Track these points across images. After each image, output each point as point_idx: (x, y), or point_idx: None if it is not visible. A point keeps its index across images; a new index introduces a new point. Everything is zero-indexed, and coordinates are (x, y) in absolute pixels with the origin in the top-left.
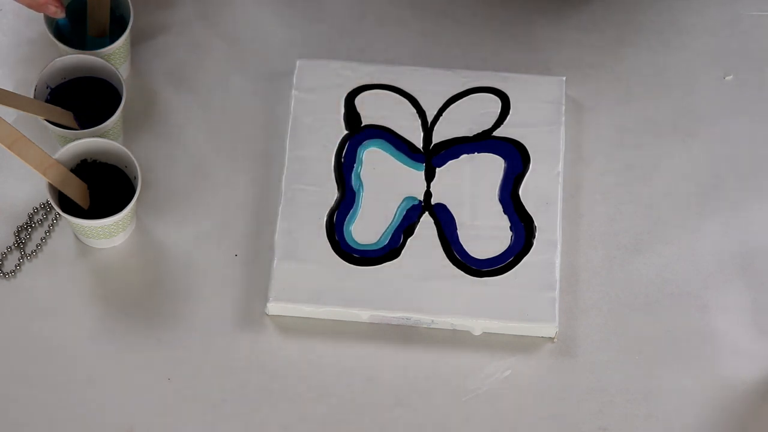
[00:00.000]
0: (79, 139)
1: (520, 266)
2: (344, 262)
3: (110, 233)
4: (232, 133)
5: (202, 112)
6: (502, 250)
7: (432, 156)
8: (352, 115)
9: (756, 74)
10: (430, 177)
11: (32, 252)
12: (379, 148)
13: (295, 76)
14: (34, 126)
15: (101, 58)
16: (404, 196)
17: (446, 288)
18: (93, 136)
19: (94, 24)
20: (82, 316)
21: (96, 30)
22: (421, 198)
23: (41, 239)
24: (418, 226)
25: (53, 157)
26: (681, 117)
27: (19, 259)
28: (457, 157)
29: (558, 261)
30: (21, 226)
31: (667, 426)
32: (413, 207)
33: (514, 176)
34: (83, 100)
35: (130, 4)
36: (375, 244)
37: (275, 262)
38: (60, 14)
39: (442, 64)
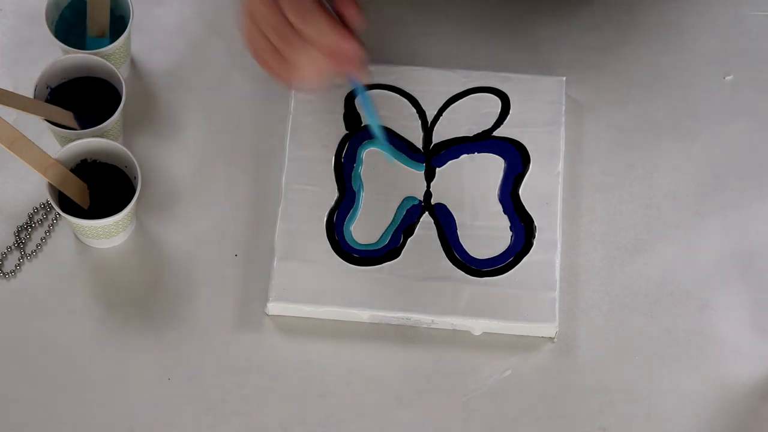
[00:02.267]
0: (79, 139)
1: (520, 266)
2: (344, 262)
3: (110, 233)
4: (232, 133)
5: (202, 112)
6: (502, 250)
7: (432, 156)
8: (352, 115)
9: (756, 74)
10: (430, 177)
11: (32, 252)
12: (379, 148)
13: None
14: (34, 126)
15: (101, 58)
16: (404, 196)
17: (446, 288)
18: (93, 136)
19: (94, 24)
20: (82, 316)
21: (96, 30)
22: (421, 198)
23: (41, 239)
24: (418, 226)
25: (53, 157)
26: (681, 117)
27: (19, 259)
28: (457, 157)
29: (558, 261)
30: (21, 226)
31: (667, 426)
32: (413, 207)
33: (514, 176)
34: (83, 100)
35: (130, 4)
36: (375, 244)
37: (275, 262)
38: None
39: (442, 64)
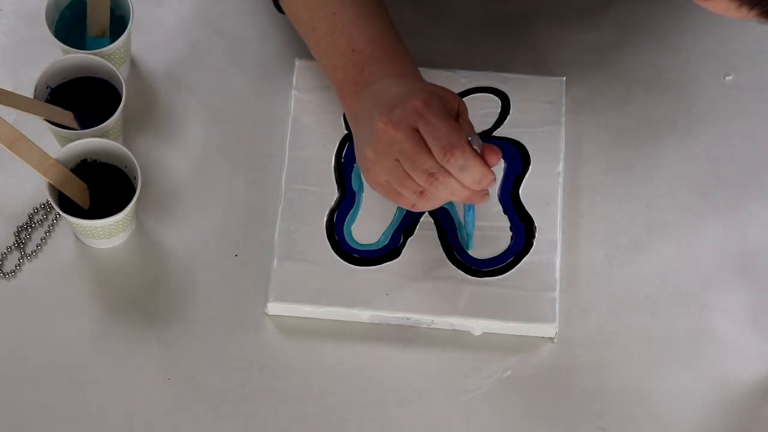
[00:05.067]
0: (79, 139)
1: (520, 266)
2: (344, 262)
3: (110, 233)
4: (232, 133)
5: (202, 112)
6: (502, 250)
7: None
8: None
9: (756, 74)
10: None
11: (32, 252)
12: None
13: (295, 76)
14: (34, 126)
15: (101, 58)
16: None
17: (446, 288)
18: (93, 136)
19: (94, 24)
20: (82, 316)
21: (96, 30)
22: None
23: (41, 239)
24: (418, 226)
25: (53, 157)
26: (681, 117)
27: (19, 259)
28: None
29: (558, 261)
30: (21, 226)
31: (667, 426)
32: None
33: (514, 176)
34: (83, 100)
35: (130, 4)
36: (375, 244)
37: (275, 262)
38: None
39: (442, 64)
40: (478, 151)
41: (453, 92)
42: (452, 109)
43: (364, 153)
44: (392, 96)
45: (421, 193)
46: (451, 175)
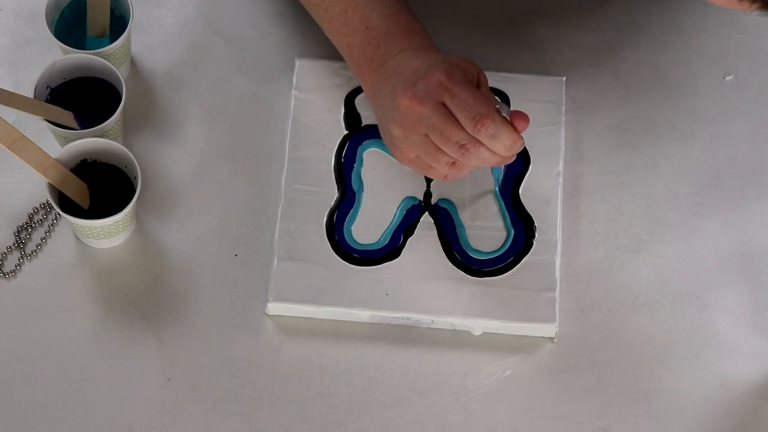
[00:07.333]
0: (79, 139)
1: (520, 266)
2: (344, 262)
3: (110, 233)
4: (232, 133)
5: (202, 112)
6: (503, 251)
7: None
8: (352, 115)
9: (756, 74)
10: (430, 177)
11: (32, 252)
12: (379, 148)
13: (295, 76)
14: (34, 126)
15: (101, 58)
16: (404, 196)
17: (446, 288)
18: (93, 136)
19: (94, 24)
20: (82, 316)
21: (96, 30)
22: (421, 198)
23: (41, 239)
24: (418, 226)
25: (53, 157)
26: (681, 117)
27: (19, 259)
28: None
29: (558, 261)
30: (21, 226)
31: (667, 426)
32: (413, 207)
33: (514, 176)
34: (83, 100)
35: (130, 4)
36: (375, 244)
37: (275, 262)
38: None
39: None
40: (507, 118)
41: (472, 61)
42: (473, 79)
43: (389, 130)
44: (413, 71)
45: (453, 163)
46: (482, 145)
